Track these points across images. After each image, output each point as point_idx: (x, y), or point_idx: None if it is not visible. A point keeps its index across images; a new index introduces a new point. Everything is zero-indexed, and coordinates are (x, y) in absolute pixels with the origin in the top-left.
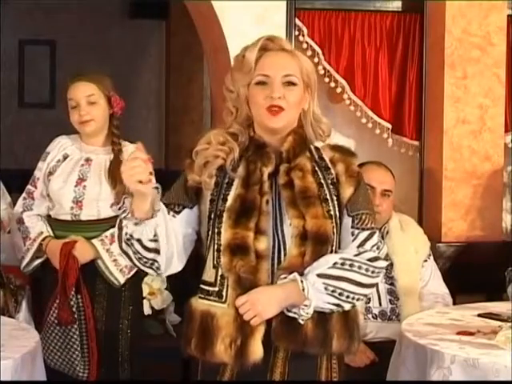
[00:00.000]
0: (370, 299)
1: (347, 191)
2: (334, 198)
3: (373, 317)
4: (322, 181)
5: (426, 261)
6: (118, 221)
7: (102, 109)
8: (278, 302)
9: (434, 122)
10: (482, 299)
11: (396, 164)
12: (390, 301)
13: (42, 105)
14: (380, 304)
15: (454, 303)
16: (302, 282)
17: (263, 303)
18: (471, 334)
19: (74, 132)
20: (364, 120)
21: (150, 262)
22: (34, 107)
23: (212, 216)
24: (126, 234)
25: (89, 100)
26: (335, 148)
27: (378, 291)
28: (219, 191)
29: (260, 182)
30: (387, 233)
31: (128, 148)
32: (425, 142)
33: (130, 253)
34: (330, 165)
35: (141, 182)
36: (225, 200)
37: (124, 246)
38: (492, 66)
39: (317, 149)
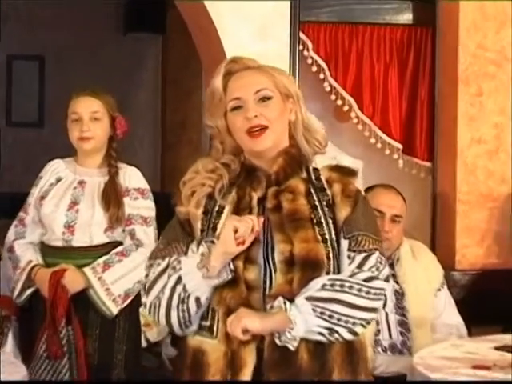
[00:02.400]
0: (379, 331)
1: (343, 212)
2: (330, 220)
3: (382, 350)
4: (317, 203)
5: (439, 290)
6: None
7: (105, 128)
8: (263, 319)
9: (447, 141)
10: (498, 331)
11: (407, 187)
12: (400, 333)
13: (30, 124)
14: (390, 336)
15: (469, 335)
16: (285, 303)
17: (248, 316)
18: (487, 368)
19: (63, 153)
20: (373, 140)
21: (190, 323)
22: (21, 126)
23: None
24: (186, 291)
25: (93, 116)
26: (334, 168)
27: (387, 322)
28: (209, 220)
29: (249, 208)
30: (398, 260)
31: (126, 170)
32: (437, 163)
33: (175, 313)
34: (326, 186)
35: (236, 231)
36: (214, 229)
37: (174, 302)
38: (508, 82)
39: (316, 170)
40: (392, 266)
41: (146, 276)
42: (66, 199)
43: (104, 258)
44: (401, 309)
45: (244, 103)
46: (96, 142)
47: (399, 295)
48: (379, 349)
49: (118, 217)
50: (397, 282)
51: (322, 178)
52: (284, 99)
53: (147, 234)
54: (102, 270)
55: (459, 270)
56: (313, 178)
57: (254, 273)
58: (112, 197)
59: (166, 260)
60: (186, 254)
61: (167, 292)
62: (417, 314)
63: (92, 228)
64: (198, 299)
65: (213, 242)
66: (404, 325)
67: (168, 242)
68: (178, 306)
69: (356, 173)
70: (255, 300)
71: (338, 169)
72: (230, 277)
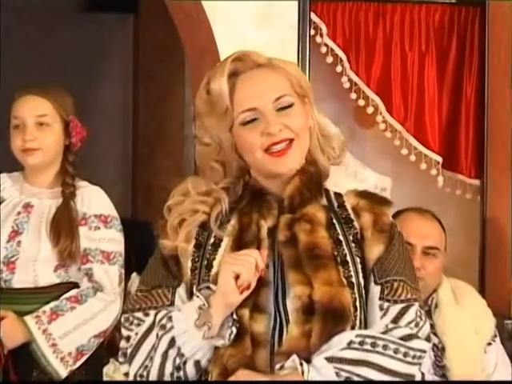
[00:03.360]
0: None
1: (374, 250)
2: (357, 259)
3: None
4: (341, 237)
5: (489, 344)
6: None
7: (56, 136)
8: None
9: (499, 153)
10: None
11: (448, 211)
12: None
13: None
14: None
15: None
16: (301, 364)
17: (252, 376)
18: None
19: (10, 168)
20: (405, 151)
21: None
22: None
23: (194, 289)
24: (182, 355)
25: (39, 121)
26: (362, 194)
27: None
28: (202, 256)
29: (257, 241)
30: (436, 306)
31: (85, 191)
32: (487, 180)
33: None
34: (352, 215)
35: (237, 278)
36: (209, 267)
37: (167, 371)
38: None
39: (338, 195)
40: (429, 313)
41: (128, 339)
42: (7, 227)
43: (52, 304)
44: (440, 368)
45: (261, 115)
46: (44, 154)
47: (438, 350)
48: None
49: (71, 252)
50: (435, 334)
51: (347, 205)
52: (302, 101)
53: (109, 275)
54: (48, 320)
55: None
56: (335, 205)
57: (262, 324)
58: (63, 225)
59: (151, 315)
60: (172, 302)
61: (157, 359)
62: (461, 374)
63: (37, 265)
64: (197, 363)
65: (209, 287)
66: None
67: (148, 289)
68: (172, 375)
69: (390, 202)
70: (261, 359)
71: (367, 195)
72: (234, 330)
